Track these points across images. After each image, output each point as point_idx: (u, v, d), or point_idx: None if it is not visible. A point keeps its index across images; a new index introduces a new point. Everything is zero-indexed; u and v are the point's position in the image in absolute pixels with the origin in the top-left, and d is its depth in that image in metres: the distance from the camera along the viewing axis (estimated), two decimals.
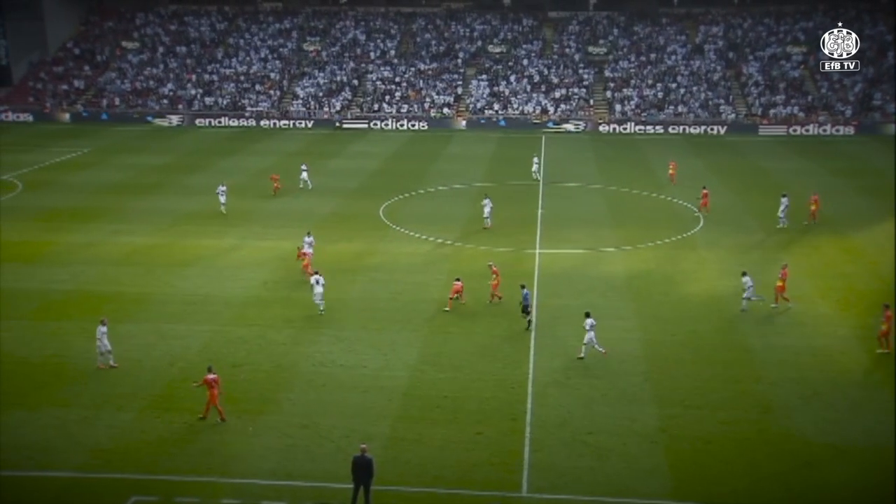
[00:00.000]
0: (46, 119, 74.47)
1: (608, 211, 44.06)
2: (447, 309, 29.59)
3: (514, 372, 24.96)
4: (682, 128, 71.31)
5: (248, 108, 76.31)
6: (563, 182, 50.83)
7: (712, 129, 70.65)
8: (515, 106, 75.09)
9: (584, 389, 23.88)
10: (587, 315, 25.82)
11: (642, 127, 71.46)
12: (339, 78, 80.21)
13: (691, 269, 34.52)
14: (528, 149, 59.78)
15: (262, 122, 74.21)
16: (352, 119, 74.43)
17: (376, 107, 76.31)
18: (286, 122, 74.36)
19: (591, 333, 25.49)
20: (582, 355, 25.67)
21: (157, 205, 45.34)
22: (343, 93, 78.26)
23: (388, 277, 33.24)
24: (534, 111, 74.26)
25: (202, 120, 74.55)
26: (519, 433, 21.46)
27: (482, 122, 73.37)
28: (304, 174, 49.18)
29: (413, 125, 73.65)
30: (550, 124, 72.27)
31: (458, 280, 30.17)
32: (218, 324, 28.82)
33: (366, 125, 73.57)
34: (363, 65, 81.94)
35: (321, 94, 78.25)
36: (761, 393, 23.70)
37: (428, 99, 76.69)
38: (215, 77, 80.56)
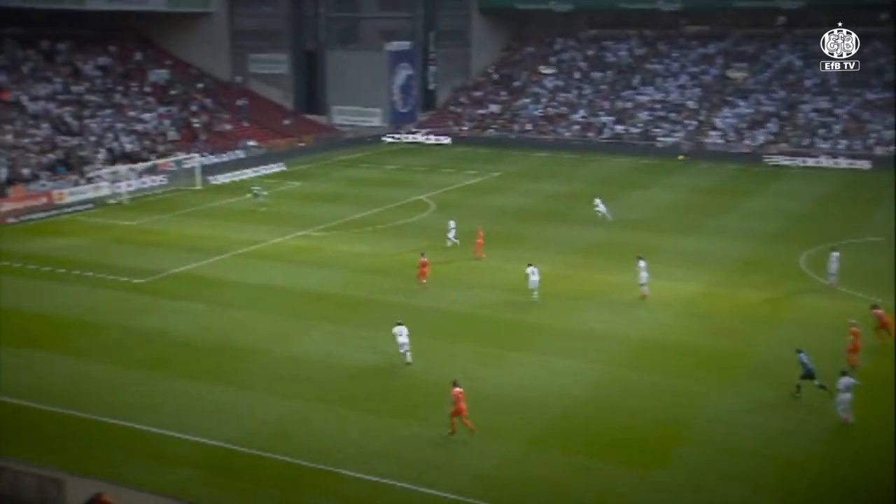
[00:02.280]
0: (462, 142, 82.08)
1: None
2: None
3: None
4: None
5: (660, 139, 76.52)
6: None
7: None
8: None
9: None
10: None
11: None
12: (765, 108, 76.95)
13: None
14: None
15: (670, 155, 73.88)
16: (776, 154, 70.85)
17: (807, 141, 71.70)
18: (699, 154, 73.20)
19: None
20: None
21: (559, 233, 47.22)
22: (768, 125, 74.87)
23: (806, 336, 30.63)
24: None
25: (610, 147, 76.39)
26: None
27: None
28: (600, 206, 49.94)
29: (852, 164, 67.86)
30: None
31: None
32: (611, 364, 29.05)
33: (792, 161, 69.52)
34: (795, 94, 77.65)
35: (743, 125, 75.71)
36: None
37: (874, 134, 70.10)
38: (629, 104, 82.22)
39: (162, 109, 73.03)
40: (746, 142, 73.75)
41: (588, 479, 21.91)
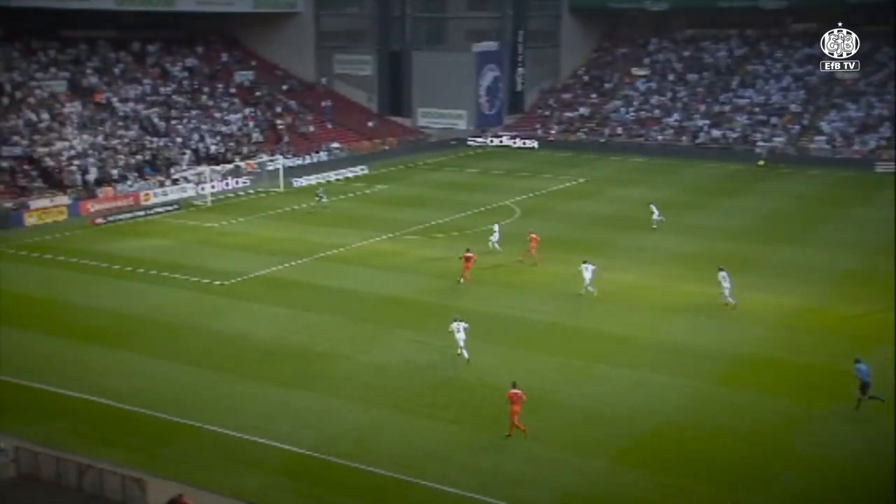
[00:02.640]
0: (549, 146, 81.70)
1: None
2: None
3: None
4: None
5: (760, 144, 74.74)
6: None
7: None
8: None
9: None
10: None
11: None
12: (877, 111, 74.37)
13: None
14: None
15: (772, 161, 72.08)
16: (888, 160, 68.41)
17: None
18: (801, 159, 71.19)
19: None
20: None
21: (648, 242, 46.66)
22: (881, 129, 72.32)
23: None
24: None
25: (705, 153, 75.01)
26: None
27: None
28: (655, 214, 49.81)
29: None
30: None
31: None
32: (703, 379, 28.51)
33: None
34: None
35: (852, 129, 73.35)
36: None
37: None
38: (727, 107, 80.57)
39: (247, 111, 74.82)
40: (855, 147, 71.43)
41: (680, 500, 21.50)
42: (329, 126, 79.38)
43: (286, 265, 42.31)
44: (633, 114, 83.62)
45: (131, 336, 32.74)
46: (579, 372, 29.16)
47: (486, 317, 34.34)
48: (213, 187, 59.62)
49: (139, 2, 70.62)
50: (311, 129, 77.35)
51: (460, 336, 29.49)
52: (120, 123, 65.02)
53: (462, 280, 38.49)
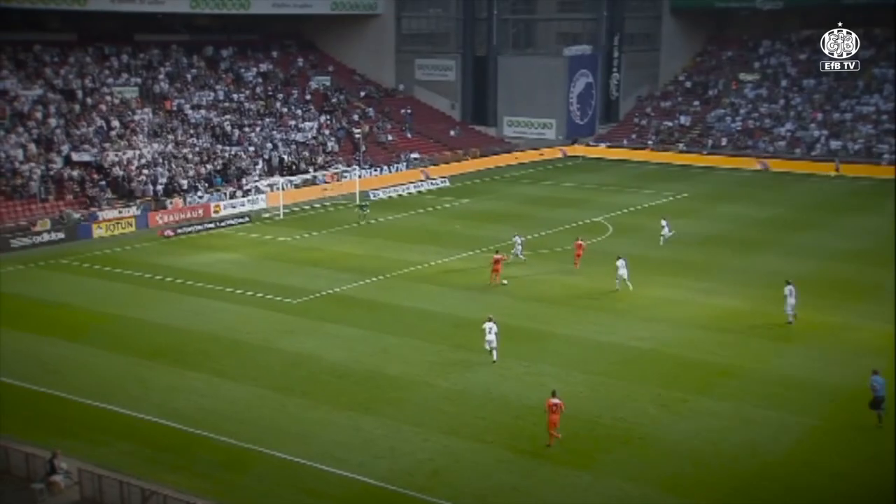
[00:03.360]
0: (645, 158, 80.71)
1: None
2: None
3: None
4: None
5: (887, 156, 72.62)
6: None
7: None
8: None
9: None
10: None
11: None
12: None
13: None
14: None
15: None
16: None
17: None
18: None
19: None
20: None
21: (752, 264, 45.83)
22: None
23: None
24: None
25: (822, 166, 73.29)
26: None
27: None
28: (665, 228, 50.30)
29: None
30: None
31: None
32: (817, 417, 27.86)
33: None
34: None
35: None
36: None
37: None
38: (848, 116, 78.56)
39: (322, 118, 76.15)
40: None
41: None
42: (409, 135, 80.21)
43: (361, 283, 42.78)
44: (740, 123, 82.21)
45: (198, 355, 33.49)
46: (678, 404, 28.73)
47: (577, 342, 34.17)
48: (285, 199, 60.72)
49: (213, 4, 72.70)
50: (390, 137, 78.30)
51: (490, 338, 32.04)
52: (191, 131, 66.92)
53: (499, 281, 41.86)
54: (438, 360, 32.83)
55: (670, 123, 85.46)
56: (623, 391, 29.72)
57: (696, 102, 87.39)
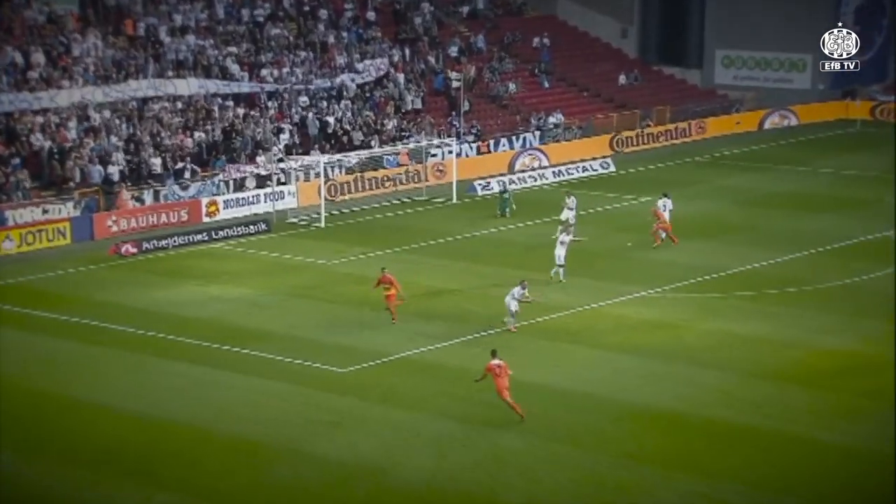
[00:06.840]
0: None
1: None
2: None
3: None
4: None
5: None
6: None
7: None
8: None
9: None
10: None
11: None
12: None
13: None
14: None
15: None
16: None
17: None
18: None
19: None
20: None
21: None
22: None
23: None
24: None
25: None
26: None
27: None
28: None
29: None
30: None
31: None
32: None
33: None
34: None
35: None
36: None
37: None
38: None
39: (395, 53, 76.08)
40: None
41: None
42: (545, 84, 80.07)
43: (455, 340, 42.51)
44: None
45: (177, 464, 32.87)
46: None
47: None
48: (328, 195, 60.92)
49: None
50: (513, 87, 78.15)
51: (514, 308, 41.71)
52: (169, 73, 67.31)
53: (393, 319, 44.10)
54: (577, 475, 31.97)
55: None
56: None
57: None
